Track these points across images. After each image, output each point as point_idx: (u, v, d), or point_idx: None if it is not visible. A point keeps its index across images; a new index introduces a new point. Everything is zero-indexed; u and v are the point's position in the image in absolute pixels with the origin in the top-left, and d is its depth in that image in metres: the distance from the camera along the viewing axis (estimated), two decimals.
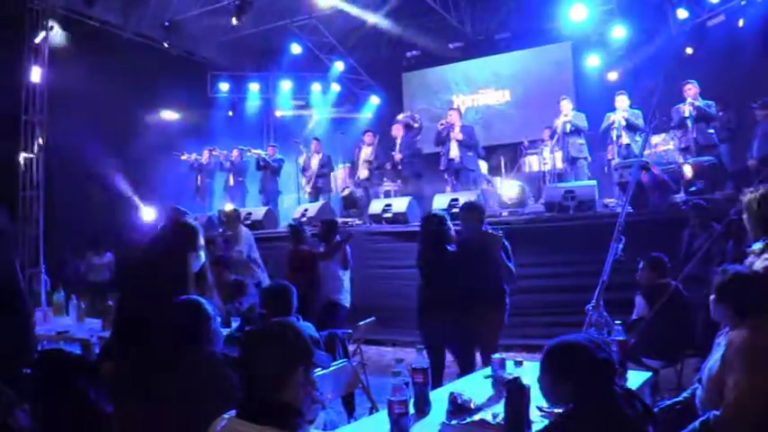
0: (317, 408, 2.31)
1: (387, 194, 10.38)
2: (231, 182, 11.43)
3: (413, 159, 9.62)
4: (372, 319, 5.09)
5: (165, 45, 11.76)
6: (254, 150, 11.48)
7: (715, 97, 9.13)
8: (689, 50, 10.07)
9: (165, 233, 2.91)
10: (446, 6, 11.50)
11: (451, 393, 2.56)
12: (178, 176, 12.11)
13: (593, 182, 7.83)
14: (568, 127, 8.85)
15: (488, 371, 2.97)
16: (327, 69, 13.06)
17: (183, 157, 11.78)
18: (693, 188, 7.12)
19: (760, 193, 3.17)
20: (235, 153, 11.63)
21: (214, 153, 11.87)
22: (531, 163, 10.41)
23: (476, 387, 2.91)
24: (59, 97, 10.40)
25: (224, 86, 13.56)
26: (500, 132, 12.34)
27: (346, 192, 9.65)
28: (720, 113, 9.19)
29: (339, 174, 11.53)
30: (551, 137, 9.36)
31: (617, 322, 3.85)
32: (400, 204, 8.22)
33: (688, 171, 7.36)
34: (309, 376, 1.83)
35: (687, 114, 7.96)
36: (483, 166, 10.99)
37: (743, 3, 9.29)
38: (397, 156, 9.58)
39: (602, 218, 6.98)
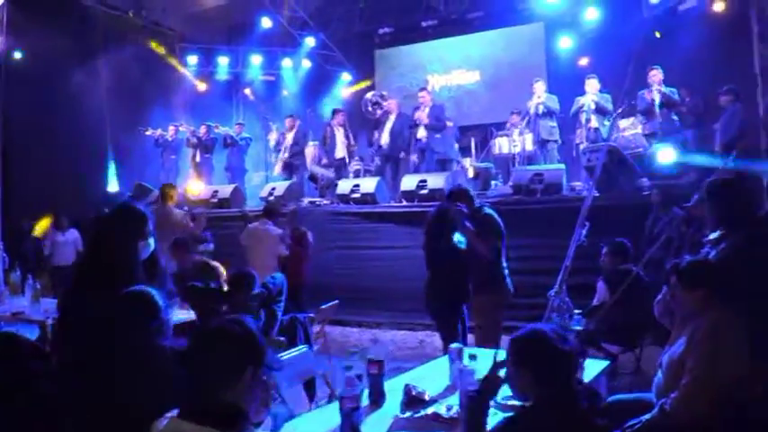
0: (266, 411, 2.26)
1: (357, 174, 10.31)
2: (197, 158, 11.18)
3: (398, 139, 9.46)
4: (336, 302, 5.06)
5: (130, 14, 11.36)
6: (221, 128, 11.25)
7: (683, 83, 9.23)
8: (657, 35, 10.10)
9: (110, 220, 2.79)
10: None
11: (406, 385, 2.54)
12: (143, 151, 11.85)
13: (562, 165, 7.87)
14: (541, 108, 8.85)
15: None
16: (299, 45, 12.80)
17: (148, 133, 11.47)
18: (659, 173, 7.17)
19: (717, 182, 3.20)
20: (203, 129, 11.38)
21: (181, 129, 11.60)
22: (502, 145, 10.37)
23: (435, 377, 2.90)
24: (18, 66, 10.04)
25: (192, 59, 13.22)
26: (472, 113, 12.28)
27: (311, 170, 9.53)
28: (688, 99, 9.28)
29: (309, 152, 11.35)
30: (523, 118, 9.35)
31: (576, 312, 3.88)
32: (369, 185, 8.15)
33: (663, 155, 7.39)
34: (259, 378, 1.77)
35: (654, 100, 8.01)
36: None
37: None
38: (385, 138, 9.29)
39: (569, 202, 7.00)
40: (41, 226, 9.86)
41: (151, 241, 2.68)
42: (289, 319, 4.20)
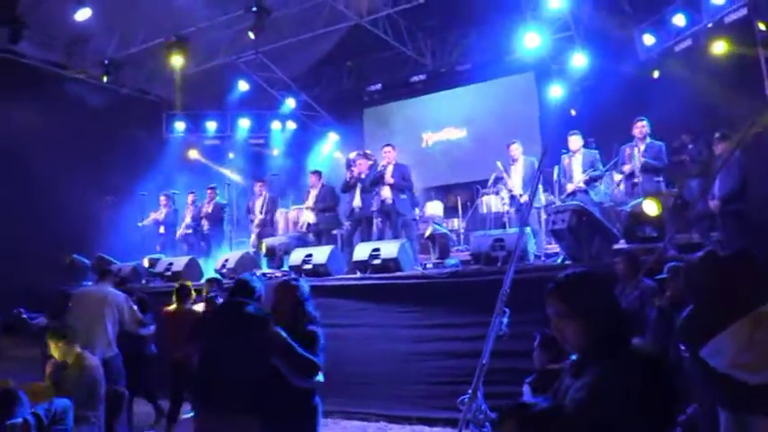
0: None
1: (334, 240, 9.54)
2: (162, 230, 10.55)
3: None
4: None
5: (104, 80, 11.14)
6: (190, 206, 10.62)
7: (685, 127, 8.31)
8: (656, 74, 9.25)
9: None
10: (401, 39, 10.81)
11: None
12: (121, 222, 11.28)
13: (527, 229, 6.89)
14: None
15: None
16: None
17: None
18: (641, 234, 6.12)
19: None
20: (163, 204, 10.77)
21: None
22: (490, 203, 9.46)
23: None
24: None
25: (180, 126, 12.95)
26: (461, 170, 11.47)
27: (263, 244, 8.73)
28: (690, 146, 8.35)
29: (291, 216, 10.61)
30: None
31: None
32: (321, 255, 7.32)
33: (651, 209, 6.36)
34: None
35: (633, 156, 7.11)
36: (438, 207, 10.14)
37: (709, 26, 8.42)
38: (357, 201, 8.48)
39: (533, 271, 6.04)
40: None
41: None
42: None
